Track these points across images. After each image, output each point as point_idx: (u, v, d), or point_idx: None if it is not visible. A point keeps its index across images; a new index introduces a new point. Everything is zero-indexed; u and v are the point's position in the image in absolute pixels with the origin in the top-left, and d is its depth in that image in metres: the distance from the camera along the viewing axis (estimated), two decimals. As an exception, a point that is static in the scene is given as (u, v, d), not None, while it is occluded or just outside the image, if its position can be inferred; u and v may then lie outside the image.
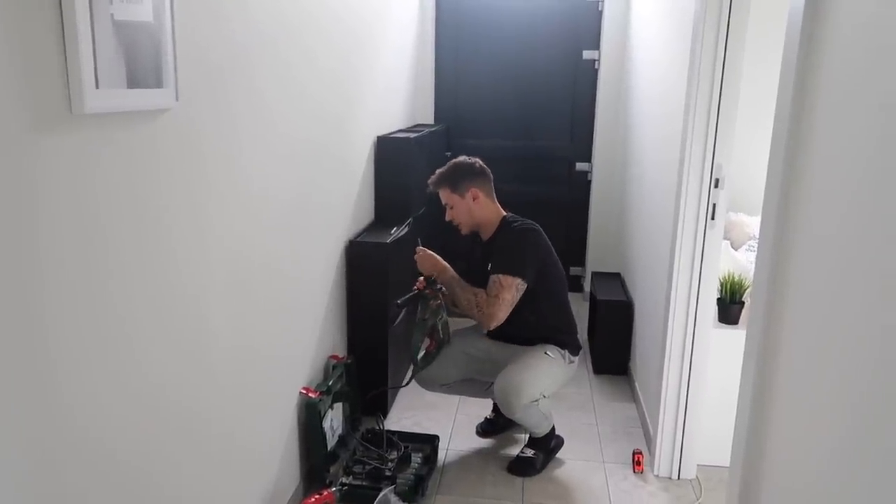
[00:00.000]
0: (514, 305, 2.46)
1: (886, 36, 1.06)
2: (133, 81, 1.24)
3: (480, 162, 2.64)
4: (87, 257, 1.18)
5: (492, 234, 2.61)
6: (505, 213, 2.63)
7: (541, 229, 2.58)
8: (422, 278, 2.60)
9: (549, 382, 2.53)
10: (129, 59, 1.22)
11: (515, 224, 2.57)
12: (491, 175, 2.63)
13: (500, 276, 2.45)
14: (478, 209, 2.58)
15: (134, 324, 1.33)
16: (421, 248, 2.64)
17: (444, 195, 2.61)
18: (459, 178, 2.58)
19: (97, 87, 1.13)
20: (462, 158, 2.65)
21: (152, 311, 1.39)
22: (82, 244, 1.17)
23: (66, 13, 1.06)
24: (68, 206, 1.13)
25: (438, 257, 2.60)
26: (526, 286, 2.47)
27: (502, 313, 2.45)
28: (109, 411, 1.27)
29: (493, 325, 2.47)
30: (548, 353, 2.54)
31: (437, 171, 2.64)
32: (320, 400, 2.33)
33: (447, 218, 2.64)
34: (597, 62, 4.35)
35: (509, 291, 2.44)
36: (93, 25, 1.11)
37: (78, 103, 1.10)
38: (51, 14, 1.05)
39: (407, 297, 2.59)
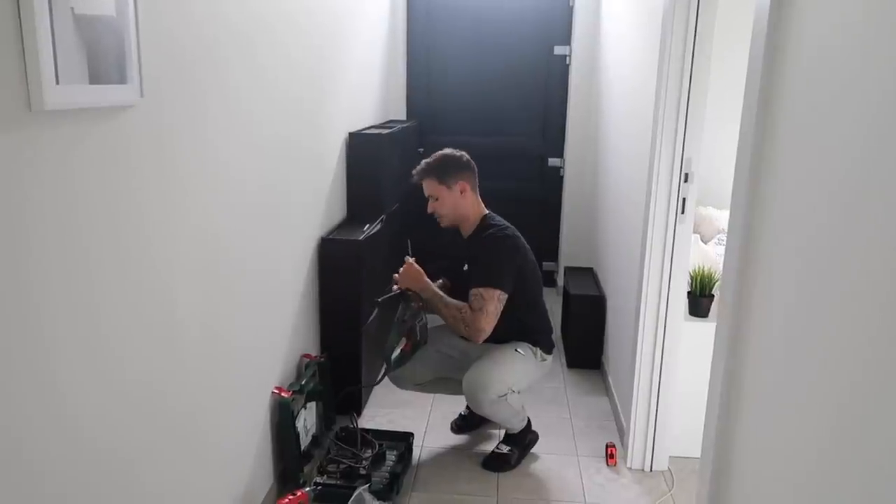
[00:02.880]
0: (498, 316, 2.45)
1: (848, 31, 1.08)
2: (95, 77, 1.21)
3: (467, 156, 2.60)
4: (52, 254, 1.15)
5: (471, 231, 2.60)
6: (486, 212, 2.62)
7: (518, 234, 2.56)
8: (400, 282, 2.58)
9: (517, 378, 2.53)
10: (90, 54, 1.19)
11: (492, 230, 2.53)
12: (476, 170, 2.61)
13: (481, 289, 2.43)
14: (463, 203, 2.55)
15: (102, 318, 1.30)
16: (410, 259, 2.56)
17: (430, 186, 2.55)
18: (449, 170, 2.54)
19: (57, 82, 1.10)
20: (450, 150, 2.59)
21: (123, 305, 1.36)
22: (45, 242, 1.14)
23: (24, 7, 1.03)
24: (29, 204, 1.10)
25: (423, 274, 2.54)
26: (507, 296, 2.47)
27: (489, 326, 2.44)
28: (79, 403, 1.25)
29: (482, 338, 2.45)
30: (518, 350, 2.54)
31: (424, 162, 2.58)
32: (293, 399, 2.31)
33: (429, 210, 2.58)
34: (568, 58, 4.37)
35: (492, 303, 2.43)
36: (52, 19, 1.08)
37: (37, 99, 1.07)
38: (8, 8, 1.02)
39: (387, 295, 2.57)
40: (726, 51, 2.76)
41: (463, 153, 2.60)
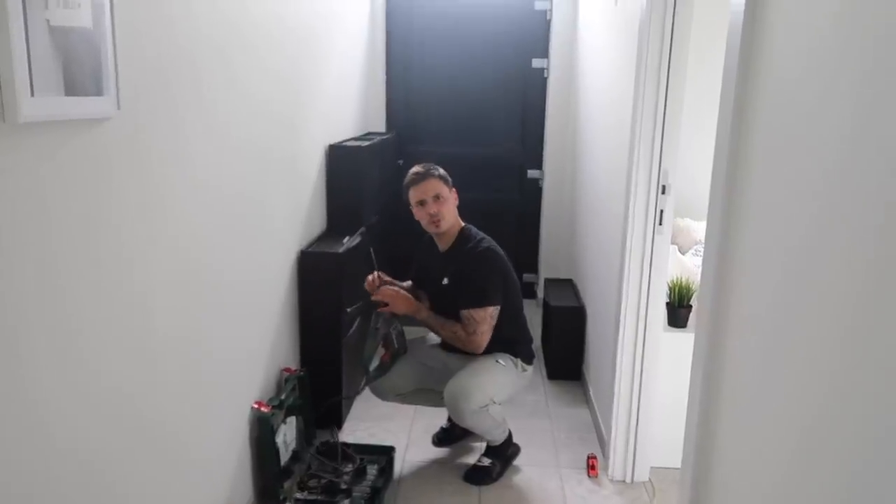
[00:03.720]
0: (493, 328, 2.49)
1: (818, 43, 1.10)
2: (71, 89, 1.20)
3: None
4: (28, 265, 1.13)
5: (450, 245, 2.60)
6: (463, 224, 2.63)
7: (497, 246, 2.58)
8: (374, 277, 2.58)
9: (498, 389, 2.52)
10: (66, 66, 1.18)
11: (472, 245, 2.54)
12: None
13: (472, 311, 2.46)
14: (454, 215, 2.58)
15: (78, 329, 1.28)
16: (387, 286, 2.55)
17: (437, 185, 2.52)
18: (447, 176, 2.58)
19: (32, 94, 1.08)
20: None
21: (99, 317, 1.34)
22: (21, 253, 1.12)
23: (-2, 18, 1.02)
24: (4, 216, 1.08)
25: (410, 297, 2.56)
26: (499, 306, 2.50)
27: (485, 341, 2.50)
28: (52, 414, 1.23)
29: (481, 351, 2.51)
30: (499, 360, 2.55)
31: (422, 166, 2.57)
32: (272, 414, 2.28)
33: (431, 211, 2.51)
34: (546, 70, 4.41)
35: (485, 322, 2.48)
36: (27, 32, 1.06)
37: (12, 111, 1.05)
38: (-19, 19, 1.00)
39: (356, 305, 2.56)
40: (701, 64, 2.80)
41: None
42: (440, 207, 2.52)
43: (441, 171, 2.58)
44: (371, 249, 2.70)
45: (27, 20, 1.06)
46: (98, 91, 1.28)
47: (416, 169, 2.58)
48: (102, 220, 1.35)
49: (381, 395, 2.70)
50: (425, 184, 2.53)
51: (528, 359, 2.65)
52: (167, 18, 1.58)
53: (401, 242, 2.90)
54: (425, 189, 2.53)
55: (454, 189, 2.59)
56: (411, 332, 2.69)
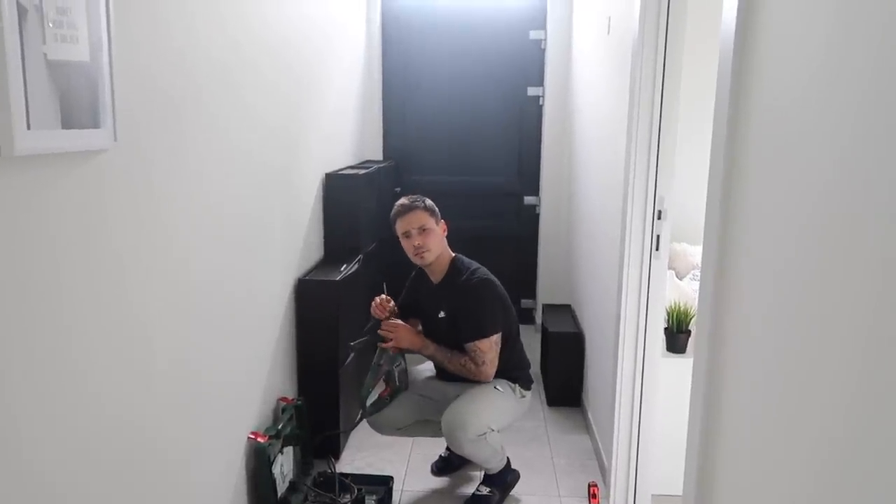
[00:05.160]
0: (499, 353, 2.52)
1: (813, 64, 1.11)
2: (68, 122, 1.20)
3: None
4: (26, 296, 1.13)
5: (442, 276, 2.60)
6: (453, 255, 2.63)
7: (490, 275, 2.57)
8: (382, 300, 2.58)
9: (496, 416, 2.51)
10: (63, 99, 1.19)
11: (467, 278, 2.54)
12: None
13: (477, 342, 2.48)
14: (442, 247, 2.58)
15: (75, 359, 1.27)
16: (394, 322, 2.56)
17: (422, 217, 2.52)
18: (434, 207, 2.58)
19: (29, 128, 1.09)
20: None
21: (98, 347, 1.34)
22: (18, 285, 1.11)
23: (-4, 53, 1.03)
24: (1, 250, 1.08)
25: (417, 333, 2.57)
26: (501, 333, 2.52)
27: (493, 369, 2.52)
28: (51, 441, 1.21)
29: (490, 379, 2.53)
30: (497, 387, 2.53)
31: (408, 198, 2.58)
32: (269, 444, 2.26)
33: (416, 243, 2.52)
34: (541, 98, 4.46)
35: (491, 350, 2.49)
36: (24, 66, 1.07)
37: (7, 146, 1.06)
38: (-21, 54, 1.01)
39: (361, 339, 2.55)
40: (695, 89, 2.83)
41: None
42: (425, 239, 2.51)
43: (428, 202, 2.58)
44: (384, 283, 2.70)
45: (24, 55, 1.08)
46: (95, 123, 1.29)
47: (402, 201, 2.59)
48: (100, 250, 1.35)
49: (380, 429, 2.67)
50: (410, 215, 2.53)
51: (526, 384, 2.63)
52: (169, 46, 1.60)
53: (399, 270, 2.89)
54: (410, 220, 2.52)
55: (443, 221, 2.59)
56: (410, 359, 2.68)
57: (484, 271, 2.58)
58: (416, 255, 2.54)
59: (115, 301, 1.41)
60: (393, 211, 2.59)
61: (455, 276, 2.56)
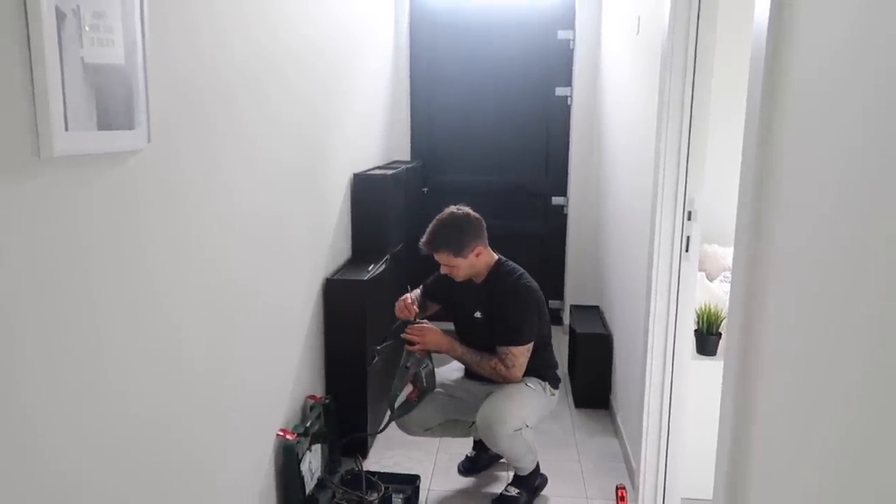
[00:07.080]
0: (529, 358, 2.53)
1: (847, 65, 1.09)
2: (104, 123, 1.23)
3: (469, 210, 2.55)
4: (61, 296, 1.16)
5: (484, 278, 2.59)
6: (496, 257, 2.61)
7: (532, 281, 2.56)
8: (408, 299, 2.60)
9: (530, 411, 2.51)
10: (99, 101, 1.21)
11: (512, 279, 2.53)
12: (483, 223, 2.56)
13: (512, 347, 2.49)
14: (478, 263, 2.54)
15: (109, 359, 1.30)
16: (420, 324, 2.56)
17: (446, 258, 2.49)
18: (463, 240, 2.47)
19: (66, 129, 1.12)
20: (453, 214, 2.52)
21: (130, 347, 1.36)
22: (55, 285, 1.14)
23: (35, 57, 1.06)
24: (37, 251, 1.10)
25: (445, 335, 2.57)
26: (533, 341, 2.53)
27: (522, 371, 2.53)
28: (86, 440, 1.24)
29: (518, 380, 2.53)
30: (528, 384, 2.54)
31: (433, 232, 2.49)
32: (298, 442, 2.28)
33: (443, 272, 2.56)
34: (569, 98, 4.43)
35: (523, 356, 2.51)
36: (62, 69, 1.10)
37: (47, 147, 1.09)
38: (20, 58, 1.04)
39: (387, 343, 2.56)
40: (726, 89, 2.79)
41: (468, 211, 2.54)
42: (451, 272, 2.54)
43: (451, 237, 2.47)
44: (408, 285, 2.71)
45: (63, 58, 1.10)
46: (130, 125, 1.32)
47: (427, 233, 2.52)
48: (133, 249, 1.38)
49: (408, 430, 2.68)
50: (434, 255, 2.53)
51: (555, 383, 2.64)
52: (200, 50, 1.63)
53: (426, 270, 2.90)
54: (437, 258, 2.54)
55: (476, 245, 2.49)
56: (437, 359, 2.68)
57: (527, 278, 2.57)
58: (449, 274, 2.57)
59: (146, 300, 1.44)
60: (421, 240, 2.54)
61: (498, 280, 2.56)
